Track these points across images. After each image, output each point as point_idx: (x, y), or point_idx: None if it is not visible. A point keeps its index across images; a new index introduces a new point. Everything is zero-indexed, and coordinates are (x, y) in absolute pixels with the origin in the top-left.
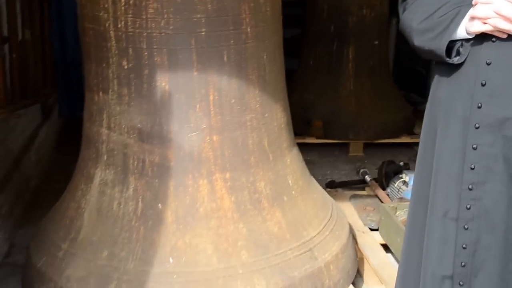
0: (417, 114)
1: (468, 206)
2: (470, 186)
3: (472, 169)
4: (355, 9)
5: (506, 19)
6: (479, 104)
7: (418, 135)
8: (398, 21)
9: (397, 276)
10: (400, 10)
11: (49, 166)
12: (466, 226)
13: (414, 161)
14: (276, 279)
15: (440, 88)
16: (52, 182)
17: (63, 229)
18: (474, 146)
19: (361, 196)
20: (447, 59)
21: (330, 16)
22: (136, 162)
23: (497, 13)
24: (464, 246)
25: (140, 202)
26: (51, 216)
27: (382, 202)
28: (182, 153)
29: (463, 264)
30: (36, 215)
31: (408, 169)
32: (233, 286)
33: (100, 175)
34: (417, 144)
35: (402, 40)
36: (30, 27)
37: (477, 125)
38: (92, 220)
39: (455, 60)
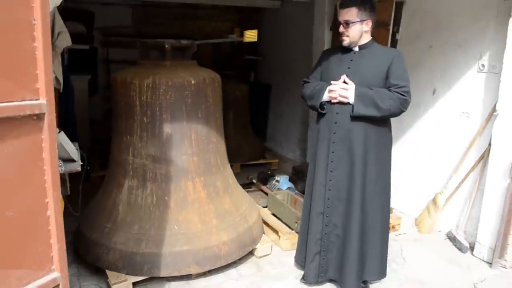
0: (264, 148)
1: (330, 179)
2: (331, 170)
3: (332, 161)
4: (232, 91)
5: (342, 96)
6: (334, 131)
7: (267, 158)
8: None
9: (301, 221)
10: (301, 88)
11: None
12: (329, 189)
13: (270, 171)
14: (231, 233)
15: (319, 125)
16: None
17: (105, 216)
18: (333, 151)
19: (252, 191)
20: (320, 111)
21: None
22: (151, 174)
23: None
24: (328, 198)
25: (154, 196)
26: (92, 210)
27: (265, 193)
28: (178, 168)
29: (328, 206)
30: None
31: (274, 175)
32: (210, 238)
33: (128, 183)
34: (268, 163)
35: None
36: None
37: (333, 141)
38: (125, 209)
39: (324, 111)
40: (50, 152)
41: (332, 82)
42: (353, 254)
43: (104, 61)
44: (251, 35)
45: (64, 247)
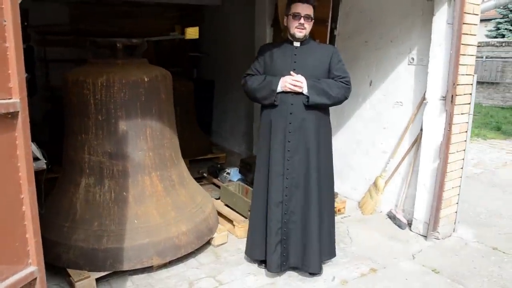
0: (211, 143)
1: (288, 168)
2: (288, 158)
3: (289, 151)
4: (178, 88)
5: (294, 86)
6: (290, 122)
7: (215, 153)
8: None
9: (251, 211)
10: (242, 81)
11: None
12: (287, 177)
13: (219, 165)
14: (189, 223)
15: (270, 116)
16: None
17: (63, 215)
18: (289, 140)
19: (204, 184)
20: (275, 102)
21: None
22: (108, 171)
23: (290, 83)
24: (286, 186)
25: (113, 192)
26: (47, 211)
27: (216, 185)
28: (134, 163)
29: (286, 195)
30: None
31: (224, 168)
32: (170, 229)
33: (85, 181)
34: (215, 157)
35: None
36: None
37: (290, 131)
38: (83, 207)
39: (276, 103)
40: (25, 149)
41: (291, 73)
42: (314, 237)
43: (42, 61)
44: (192, 32)
45: (40, 241)
